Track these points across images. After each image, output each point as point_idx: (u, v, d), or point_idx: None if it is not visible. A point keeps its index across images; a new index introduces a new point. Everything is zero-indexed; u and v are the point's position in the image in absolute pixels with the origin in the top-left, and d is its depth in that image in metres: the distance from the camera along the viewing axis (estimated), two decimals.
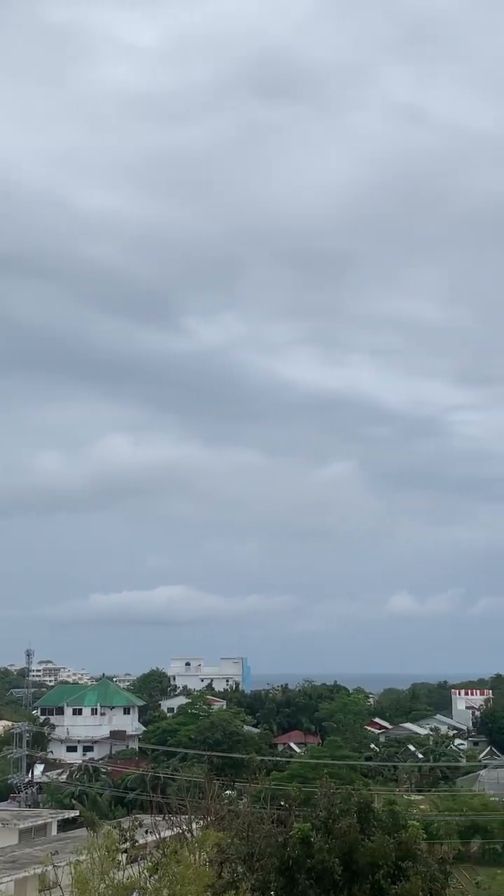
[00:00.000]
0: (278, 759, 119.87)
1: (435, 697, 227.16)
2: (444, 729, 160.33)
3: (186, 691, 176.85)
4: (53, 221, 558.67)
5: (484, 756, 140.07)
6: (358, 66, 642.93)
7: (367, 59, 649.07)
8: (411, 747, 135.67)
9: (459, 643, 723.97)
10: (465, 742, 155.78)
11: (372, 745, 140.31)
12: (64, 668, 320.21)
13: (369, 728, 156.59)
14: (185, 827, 38.66)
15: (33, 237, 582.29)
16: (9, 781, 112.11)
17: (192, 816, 40.11)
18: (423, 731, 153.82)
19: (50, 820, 69.15)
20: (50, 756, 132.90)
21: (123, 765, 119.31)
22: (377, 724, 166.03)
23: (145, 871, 28.61)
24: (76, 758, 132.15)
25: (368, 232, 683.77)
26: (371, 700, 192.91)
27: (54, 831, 67.91)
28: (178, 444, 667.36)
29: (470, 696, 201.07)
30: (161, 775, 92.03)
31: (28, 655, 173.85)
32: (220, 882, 30.01)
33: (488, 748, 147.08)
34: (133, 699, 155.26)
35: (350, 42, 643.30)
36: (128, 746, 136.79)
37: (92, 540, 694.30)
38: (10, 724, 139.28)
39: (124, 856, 29.50)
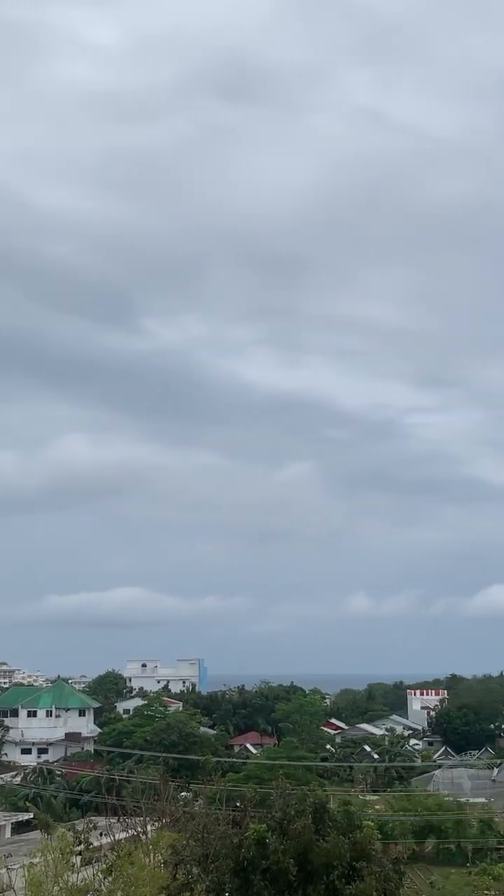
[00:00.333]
0: (234, 760, 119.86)
1: (391, 698, 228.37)
2: (399, 729, 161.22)
3: (142, 693, 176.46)
4: (12, 220, 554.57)
5: (438, 756, 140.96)
6: (319, 68, 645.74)
7: (327, 61, 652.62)
8: (367, 748, 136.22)
9: (416, 644, 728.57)
10: (420, 742, 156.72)
11: (328, 746, 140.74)
12: (19, 669, 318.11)
13: (325, 729, 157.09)
14: (139, 829, 38.52)
15: None
16: None
17: (147, 818, 39.99)
18: (378, 732, 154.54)
19: (4, 823, 68.80)
20: (4, 758, 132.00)
21: (78, 767, 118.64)
22: (333, 724, 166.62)
23: (100, 873, 28.48)
24: (31, 760, 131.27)
25: (328, 234, 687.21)
26: (327, 701, 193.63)
27: (8, 834, 67.55)
28: (136, 444, 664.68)
29: (425, 697, 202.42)
30: (116, 777, 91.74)
31: None
32: (175, 884, 29.95)
33: (443, 748, 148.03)
34: (88, 701, 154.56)
35: (311, 44, 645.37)
36: (83, 748, 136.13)
37: (48, 541, 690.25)
38: None
39: (79, 858, 29.35)
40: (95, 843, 32.54)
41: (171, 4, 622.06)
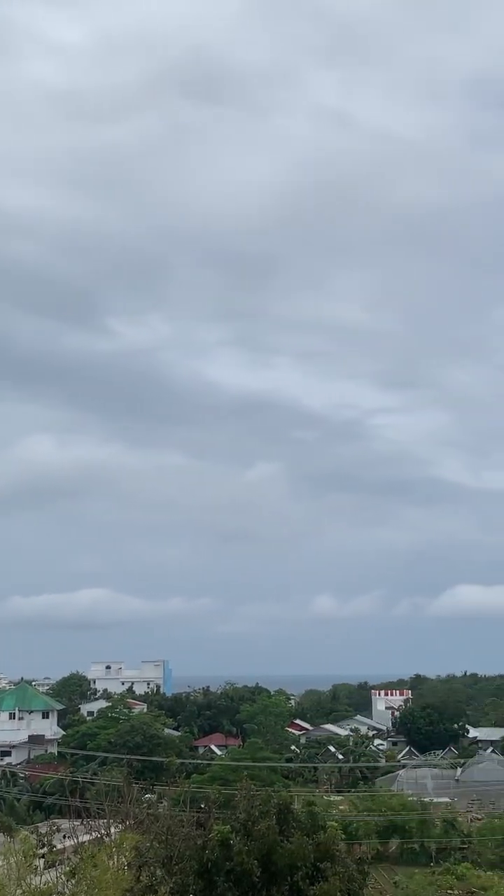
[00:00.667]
0: (199, 761, 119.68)
1: (355, 698, 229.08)
2: (363, 729, 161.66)
3: (107, 695, 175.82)
4: None
5: (402, 756, 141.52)
6: (284, 69, 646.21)
7: (293, 63, 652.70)
8: (331, 748, 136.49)
9: (381, 644, 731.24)
10: (384, 742, 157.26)
11: (293, 747, 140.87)
12: None
13: (290, 729, 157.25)
14: (103, 831, 38.36)
15: None
16: None
17: (111, 820, 39.83)
18: (343, 732, 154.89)
19: None
20: None
21: (42, 769, 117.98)
22: (298, 725, 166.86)
23: (63, 875, 28.35)
24: None
25: (294, 235, 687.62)
26: (292, 702, 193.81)
27: None
28: (102, 445, 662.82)
29: (390, 697, 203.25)
30: (80, 779, 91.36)
31: None
32: (139, 886, 29.85)
33: (407, 748, 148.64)
34: (52, 703, 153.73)
35: (277, 45, 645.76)
36: (46, 751, 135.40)
37: (12, 542, 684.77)
38: None
39: (42, 861, 29.19)
40: (59, 846, 32.38)
41: (137, 4, 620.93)
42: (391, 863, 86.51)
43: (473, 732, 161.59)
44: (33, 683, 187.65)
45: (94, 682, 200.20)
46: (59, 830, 34.50)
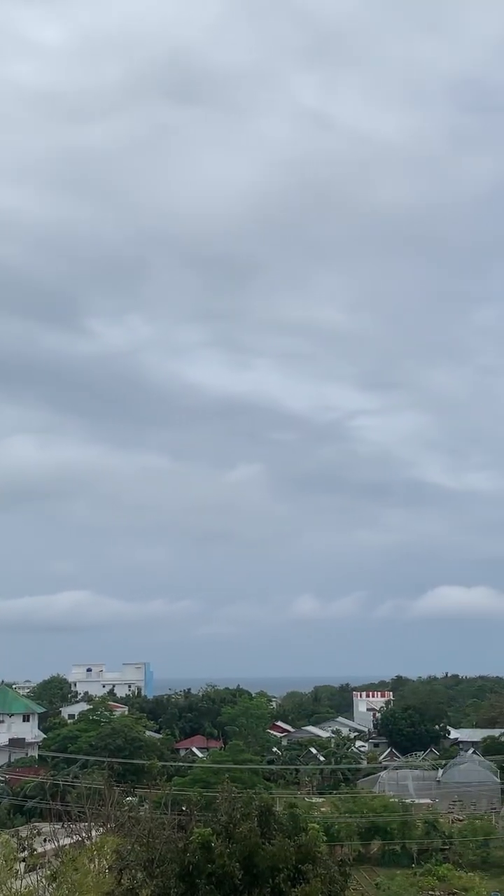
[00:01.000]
0: (180, 764, 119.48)
1: (337, 700, 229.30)
2: (345, 731, 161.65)
3: (88, 697, 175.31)
4: None
5: (384, 757, 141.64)
6: (265, 71, 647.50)
7: (274, 64, 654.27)
8: (313, 750, 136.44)
9: (362, 646, 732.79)
10: (365, 744, 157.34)
11: (274, 749, 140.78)
12: None
13: (272, 731, 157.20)
14: (84, 834, 38.21)
15: None
16: None
17: (92, 823, 39.69)
18: (324, 734, 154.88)
19: None
20: None
21: (22, 772, 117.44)
22: (280, 727, 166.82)
23: (44, 879, 28.19)
24: None
25: (275, 236, 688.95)
26: (273, 703, 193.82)
27: None
28: (82, 446, 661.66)
29: (371, 699, 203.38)
30: (61, 783, 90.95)
31: None
32: (120, 889, 29.75)
33: (388, 749, 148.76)
34: (33, 706, 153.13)
35: (258, 47, 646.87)
36: (27, 754, 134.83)
37: None
38: None
39: (23, 864, 29.03)
40: (39, 849, 32.23)
41: (117, 5, 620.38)
42: (373, 864, 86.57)
43: (454, 734, 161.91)
44: (13, 686, 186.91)
45: (75, 685, 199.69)
46: (39, 834, 34.36)
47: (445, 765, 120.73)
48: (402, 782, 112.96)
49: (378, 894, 71.48)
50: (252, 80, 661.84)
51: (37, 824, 44.88)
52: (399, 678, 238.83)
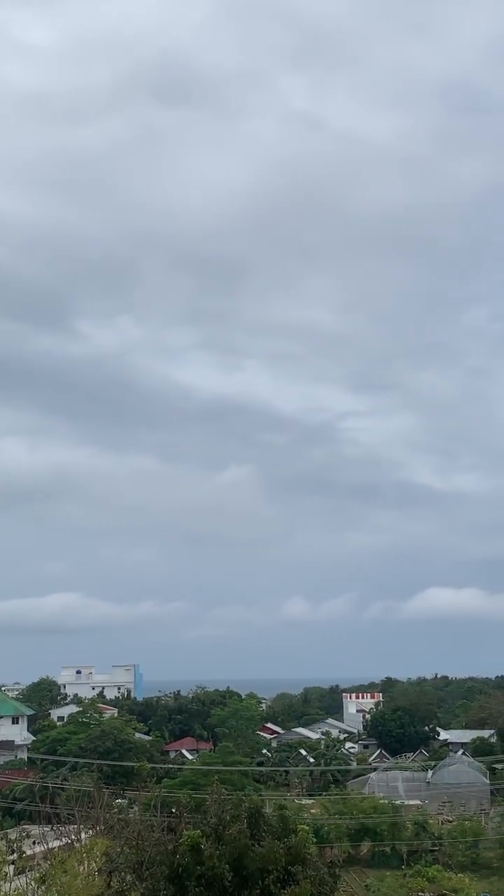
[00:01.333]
0: (170, 766, 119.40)
1: (327, 701, 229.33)
2: (335, 733, 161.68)
3: (77, 700, 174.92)
4: None
5: (374, 759, 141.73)
6: (256, 73, 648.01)
7: (263, 66, 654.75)
8: (303, 752, 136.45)
9: (352, 647, 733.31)
10: (355, 745, 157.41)
11: (264, 751, 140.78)
12: None
13: (261, 733, 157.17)
14: (73, 837, 38.14)
15: None
16: None
17: (81, 826, 39.62)
18: (314, 736, 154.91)
19: None
20: None
21: (11, 775, 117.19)
22: (269, 728, 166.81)
23: (33, 882, 28.12)
24: None
25: (265, 238, 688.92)
26: (263, 705, 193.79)
27: None
28: (73, 448, 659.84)
29: (361, 700, 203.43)
30: (50, 785, 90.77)
31: None
32: (109, 892, 29.70)
33: (378, 751, 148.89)
34: (22, 708, 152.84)
35: (247, 48, 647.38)
36: (16, 756, 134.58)
37: None
38: None
39: (12, 867, 28.95)
40: (29, 852, 32.15)
41: (107, 6, 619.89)
42: (362, 865, 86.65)
43: (444, 735, 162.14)
44: (2, 688, 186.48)
45: (65, 687, 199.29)
46: (28, 836, 34.29)
47: (435, 766, 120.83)
48: (392, 784, 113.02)
49: None
50: (242, 82, 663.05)
51: (26, 827, 44.76)
52: (388, 679, 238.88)
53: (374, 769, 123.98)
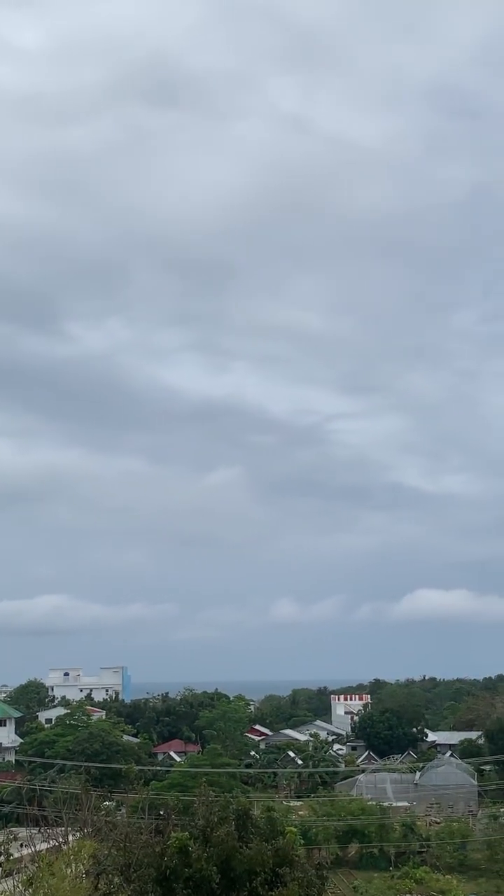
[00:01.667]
0: (158, 768, 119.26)
1: (315, 703, 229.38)
2: (323, 734, 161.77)
3: (65, 702, 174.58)
4: None
5: (362, 761, 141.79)
6: (244, 75, 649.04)
7: (252, 68, 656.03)
8: (291, 753, 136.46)
9: (341, 649, 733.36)
10: (343, 747, 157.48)
11: (252, 753, 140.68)
12: None
13: (250, 735, 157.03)
14: (61, 839, 38.03)
15: None
16: None
17: (69, 828, 39.50)
18: (302, 738, 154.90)
19: None
20: None
21: None
22: (257, 730, 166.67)
23: (20, 884, 28.03)
24: None
25: (254, 240, 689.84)
26: (251, 707, 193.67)
27: None
28: (61, 450, 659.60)
29: (349, 702, 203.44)
30: (38, 787, 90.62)
31: None
32: (97, 894, 29.60)
33: (366, 752, 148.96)
34: (9, 711, 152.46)
35: (236, 51, 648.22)
36: (3, 759, 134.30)
37: None
38: None
39: None
40: (16, 855, 32.05)
41: (96, 8, 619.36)
42: (350, 867, 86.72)
43: (432, 736, 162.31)
44: None
45: (52, 690, 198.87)
46: (16, 839, 34.17)
47: (423, 767, 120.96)
48: (380, 785, 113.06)
49: None
50: (231, 84, 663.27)
51: (13, 829, 44.61)
52: (377, 681, 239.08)
53: (363, 771, 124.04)
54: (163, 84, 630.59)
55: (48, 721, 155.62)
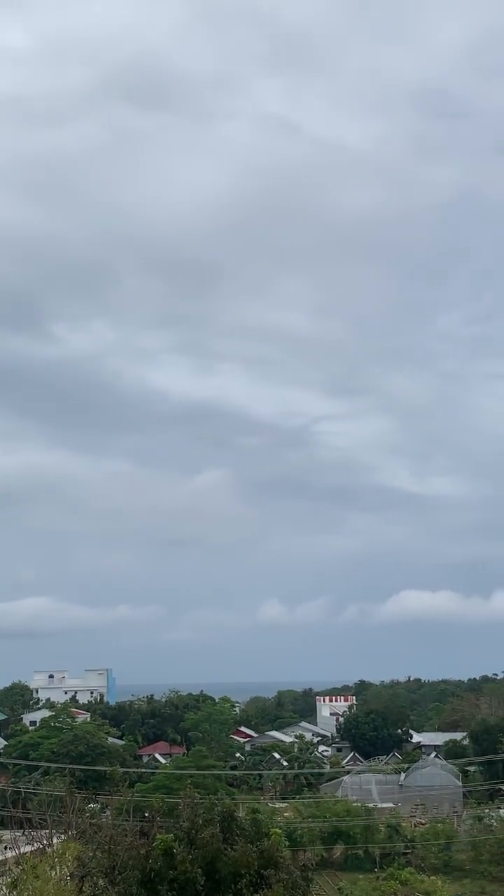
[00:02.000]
0: (143, 770, 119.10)
1: (300, 705, 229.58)
2: (308, 736, 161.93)
3: (50, 704, 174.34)
4: None
5: (347, 762, 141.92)
6: (230, 77, 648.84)
7: (238, 70, 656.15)
8: (276, 755, 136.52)
9: (326, 650, 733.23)
10: (329, 748, 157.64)
11: (237, 754, 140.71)
12: None
13: (235, 737, 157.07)
14: (45, 842, 37.94)
15: None
16: None
17: (54, 831, 39.41)
18: (288, 739, 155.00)
19: None
20: None
21: None
22: (243, 732, 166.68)
23: (4, 887, 27.98)
24: None
25: (240, 242, 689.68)
26: (237, 709, 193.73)
27: None
28: (46, 452, 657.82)
29: (334, 703, 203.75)
30: (22, 790, 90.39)
31: None
32: None
33: (351, 754, 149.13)
34: None
35: (222, 52, 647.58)
36: None
37: None
38: None
39: None
40: (0, 857, 31.95)
41: (81, 9, 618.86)
42: (336, 869, 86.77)
43: (417, 737, 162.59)
44: None
45: (37, 692, 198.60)
46: (0, 841, 34.06)
47: (408, 769, 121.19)
48: (365, 786, 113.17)
49: None
50: (217, 86, 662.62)
51: None
52: (362, 682, 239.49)
53: (348, 772, 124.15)
54: (149, 85, 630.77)
55: (33, 723, 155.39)
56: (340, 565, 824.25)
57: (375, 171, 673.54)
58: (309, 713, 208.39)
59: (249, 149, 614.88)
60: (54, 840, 38.03)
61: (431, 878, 77.24)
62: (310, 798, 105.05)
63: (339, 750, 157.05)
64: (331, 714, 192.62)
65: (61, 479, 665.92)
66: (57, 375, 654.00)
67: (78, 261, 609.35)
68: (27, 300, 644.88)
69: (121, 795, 63.40)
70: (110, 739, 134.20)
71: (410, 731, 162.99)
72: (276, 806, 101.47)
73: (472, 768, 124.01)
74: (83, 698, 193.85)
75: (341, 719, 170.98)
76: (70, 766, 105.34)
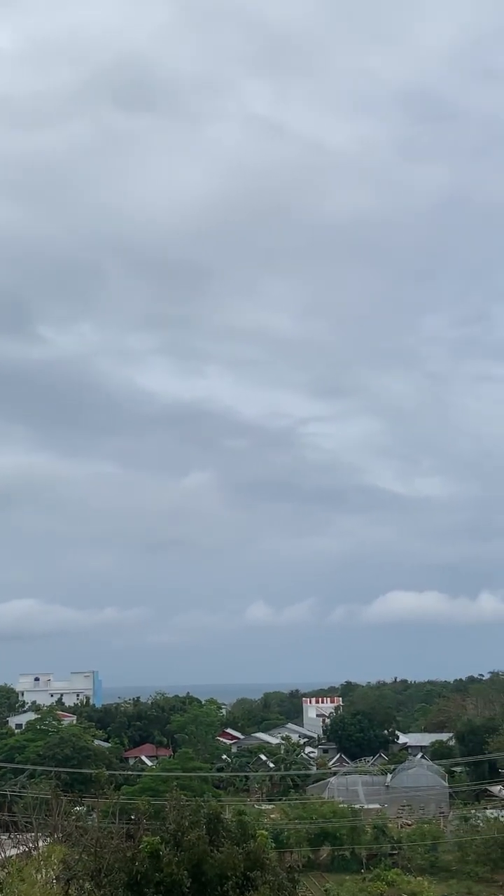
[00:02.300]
0: (129, 773, 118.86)
1: (286, 706, 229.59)
2: (295, 737, 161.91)
3: (35, 707, 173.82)
4: None
5: (333, 763, 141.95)
6: (216, 78, 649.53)
7: (225, 72, 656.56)
8: (263, 757, 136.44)
9: (313, 652, 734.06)
10: (315, 750, 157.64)
11: (224, 756, 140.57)
12: None
13: (221, 739, 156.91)
14: (31, 845, 37.83)
15: None
16: None
17: (39, 834, 39.31)
18: (274, 741, 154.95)
19: None
20: None
21: None
22: (229, 734, 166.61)
23: None
24: None
25: (226, 243, 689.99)
26: (223, 711, 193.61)
27: None
28: (32, 454, 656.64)
29: (320, 704, 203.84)
30: (8, 793, 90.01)
31: None
32: None
33: (338, 755, 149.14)
34: None
35: (208, 54, 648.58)
36: None
37: None
38: None
39: None
40: None
41: (67, 10, 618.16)
42: (322, 870, 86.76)
43: (403, 738, 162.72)
44: None
45: (23, 695, 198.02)
46: None
47: (394, 770, 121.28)
48: (352, 788, 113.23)
49: None
50: (203, 87, 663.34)
51: None
52: (348, 684, 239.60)
53: (334, 773, 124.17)
54: (135, 86, 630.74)
55: (18, 726, 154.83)
56: (327, 567, 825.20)
57: (362, 172, 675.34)
58: (295, 715, 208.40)
59: (236, 150, 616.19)
60: (40, 843, 37.94)
61: (418, 878, 77.29)
62: (296, 800, 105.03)
63: (325, 751, 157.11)
64: (317, 715, 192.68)
65: (47, 480, 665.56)
66: (44, 377, 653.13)
67: (65, 262, 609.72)
68: (14, 301, 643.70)
69: (107, 798, 63.25)
70: (96, 742, 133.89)
71: (397, 732, 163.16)
72: (263, 808, 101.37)
73: (458, 769, 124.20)
74: (69, 701, 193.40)
75: (328, 721, 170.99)
76: (56, 769, 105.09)
